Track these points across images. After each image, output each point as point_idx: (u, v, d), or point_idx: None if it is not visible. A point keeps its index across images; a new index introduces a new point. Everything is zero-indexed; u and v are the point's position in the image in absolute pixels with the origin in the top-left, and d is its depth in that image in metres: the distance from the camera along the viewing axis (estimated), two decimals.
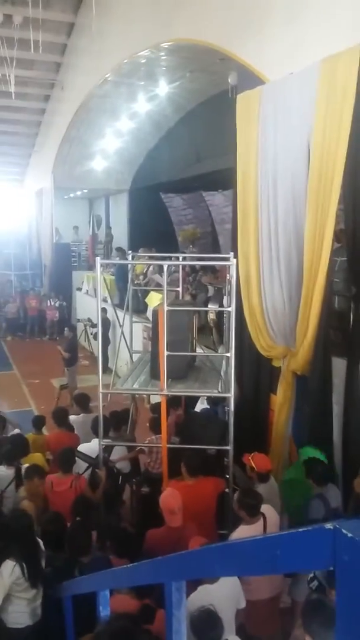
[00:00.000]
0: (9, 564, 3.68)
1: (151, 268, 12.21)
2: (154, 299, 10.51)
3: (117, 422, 6.45)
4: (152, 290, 10.83)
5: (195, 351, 6.07)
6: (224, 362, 6.01)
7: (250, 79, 6.18)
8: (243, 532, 4.16)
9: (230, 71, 8.63)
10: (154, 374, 5.43)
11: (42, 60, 14.70)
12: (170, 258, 7.65)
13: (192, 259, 10.48)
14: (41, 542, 4.01)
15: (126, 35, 10.55)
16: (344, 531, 1.07)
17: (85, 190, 20.39)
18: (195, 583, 3.47)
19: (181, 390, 5.55)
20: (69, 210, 21.63)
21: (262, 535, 1.45)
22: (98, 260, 5.42)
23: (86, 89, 13.23)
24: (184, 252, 12.17)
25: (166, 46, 9.35)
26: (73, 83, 14.56)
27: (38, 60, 14.54)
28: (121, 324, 6.96)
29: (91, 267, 17.73)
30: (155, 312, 5.45)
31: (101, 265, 5.43)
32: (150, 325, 6.27)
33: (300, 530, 1.26)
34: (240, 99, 6.26)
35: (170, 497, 4.38)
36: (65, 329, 12.10)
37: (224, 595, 3.53)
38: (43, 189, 19.48)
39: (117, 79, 11.99)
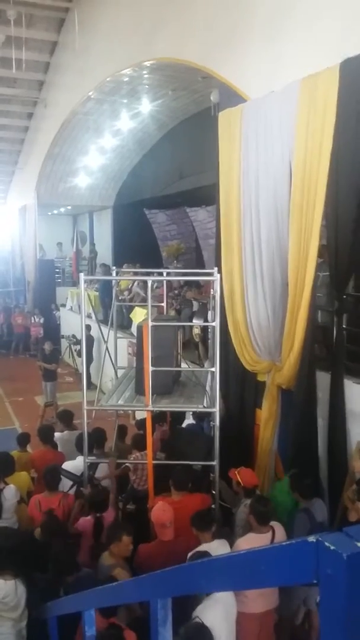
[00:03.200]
0: None
1: (136, 283, 12.23)
2: (138, 315, 10.51)
3: (101, 439, 6.39)
4: (137, 305, 10.83)
5: (180, 366, 6.06)
6: (209, 377, 6.01)
7: (232, 97, 6.28)
8: (251, 539, 4.18)
9: (212, 89, 8.78)
10: (139, 390, 5.41)
11: (25, 78, 14.78)
12: (154, 274, 7.68)
13: (177, 274, 10.52)
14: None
15: (109, 54, 10.67)
16: (326, 544, 1.07)
17: (69, 207, 20.42)
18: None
19: (166, 405, 5.53)
20: (53, 227, 21.63)
21: (246, 550, 1.45)
22: (82, 276, 5.41)
23: (69, 106, 13.32)
24: (168, 268, 12.22)
25: (148, 64, 9.48)
26: (56, 101, 14.65)
27: (21, 78, 14.62)
28: (106, 339, 6.93)
29: (75, 283, 17.69)
30: (139, 328, 5.45)
31: (85, 281, 5.42)
32: (134, 340, 6.25)
33: (284, 543, 1.26)
34: (222, 117, 6.35)
35: (161, 511, 4.35)
36: (46, 343, 11.98)
37: (218, 615, 3.46)
38: (26, 205, 19.46)
39: (100, 96, 12.09)
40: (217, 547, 4.15)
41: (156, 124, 13.64)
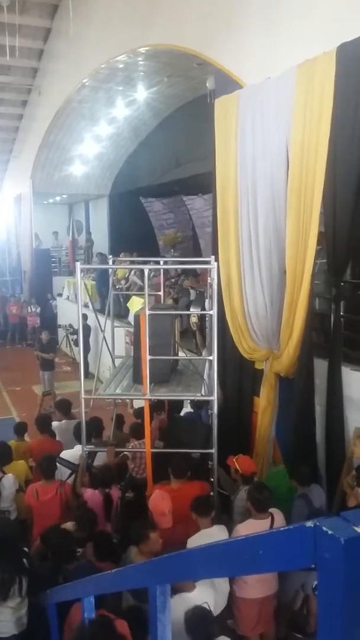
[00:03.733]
0: None
1: (133, 272, 12.20)
2: (135, 304, 10.50)
3: (99, 428, 6.41)
4: (134, 294, 10.81)
5: (177, 355, 6.06)
6: (206, 366, 6.02)
7: (228, 84, 6.22)
8: (249, 525, 4.22)
9: (208, 76, 8.70)
10: (137, 379, 5.42)
11: (18, 66, 14.62)
12: (151, 262, 7.65)
13: (174, 263, 10.49)
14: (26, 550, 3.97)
15: (103, 41, 10.55)
16: (324, 529, 1.07)
17: (65, 196, 20.29)
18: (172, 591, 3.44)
19: (164, 394, 5.54)
20: (49, 216, 21.51)
21: (244, 536, 1.45)
22: (78, 265, 5.39)
23: (64, 94, 13.19)
24: (165, 257, 12.18)
25: (144, 51, 9.38)
26: (50, 88, 14.50)
27: (15, 65, 14.45)
28: (103, 329, 6.92)
29: (72, 272, 17.63)
30: (137, 317, 5.44)
31: (81, 271, 5.40)
32: (132, 329, 6.25)
33: (282, 529, 1.26)
34: (218, 104, 6.30)
35: (160, 499, 4.38)
36: (43, 332, 11.96)
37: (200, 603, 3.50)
38: (22, 194, 19.33)
39: (95, 84, 11.98)
40: (216, 533, 4.19)
41: (152, 112, 13.53)
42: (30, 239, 18.95)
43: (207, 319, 6.54)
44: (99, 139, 15.03)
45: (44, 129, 15.37)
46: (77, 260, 16.66)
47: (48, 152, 16.56)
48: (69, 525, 4.28)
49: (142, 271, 5.75)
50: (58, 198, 21.16)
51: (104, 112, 13.44)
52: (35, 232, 19.20)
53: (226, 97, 6.14)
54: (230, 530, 4.41)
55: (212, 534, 4.14)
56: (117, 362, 6.86)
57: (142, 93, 11.99)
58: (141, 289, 7.29)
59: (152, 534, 4.01)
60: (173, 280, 11.08)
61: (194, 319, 7.31)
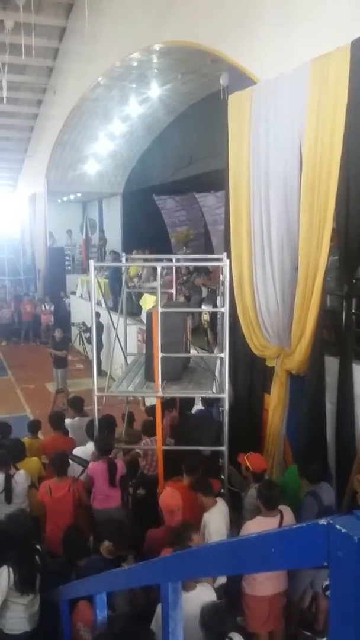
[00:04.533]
0: (6, 569, 3.65)
1: (145, 270, 12.22)
2: (147, 301, 10.51)
3: (111, 425, 6.43)
4: (146, 292, 10.82)
5: (189, 352, 6.06)
6: (217, 363, 6.00)
7: (242, 80, 6.19)
8: (258, 522, 4.21)
9: (221, 72, 8.67)
10: (149, 376, 5.42)
11: (34, 65, 14.69)
12: (163, 260, 7.65)
13: (186, 260, 10.48)
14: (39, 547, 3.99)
15: (118, 39, 10.56)
16: (337, 527, 1.06)
17: (79, 194, 20.37)
18: None
19: (176, 391, 5.54)
20: (63, 214, 21.61)
21: (256, 533, 1.45)
22: (92, 263, 5.40)
23: (78, 92, 13.23)
24: (177, 254, 12.18)
25: (157, 49, 9.37)
26: (65, 87, 14.55)
27: (30, 64, 14.53)
28: (115, 326, 6.94)
29: (85, 270, 17.70)
30: (149, 314, 5.44)
31: (95, 269, 5.41)
32: (144, 327, 6.25)
33: (295, 527, 1.25)
34: (231, 100, 6.27)
35: (169, 497, 4.38)
36: (57, 330, 12.04)
37: (198, 603, 3.40)
38: (36, 193, 19.45)
39: (110, 82, 11.99)
40: (223, 506, 4.43)
41: (165, 109, 13.51)
42: (45, 238, 19.06)
43: (218, 316, 6.52)
44: (113, 137, 15.05)
45: (58, 127, 15.43)
46: (91, 258, 16.71)
47: (62, 150, 16.63)
48: (105, 545, 4.14)
49: (154, 269, 5.75)
50: (72, 196, 21.25)
51: (118, 110, 13.45)
52: (50, 231, 19.31)
53: (239, 93, 6.11)
54: (240, 528, 4.41)
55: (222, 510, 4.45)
56: (130, 359, 6.87)
57: (155, 90, 11.98)
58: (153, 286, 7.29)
59: (194, 535, 3.92)
60: (185, 277, 11.07)
61: (205, 317, 7.29)
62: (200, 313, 7.95)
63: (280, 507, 4.34)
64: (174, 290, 7.26)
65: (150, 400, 7.16)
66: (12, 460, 5.42)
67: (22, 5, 11.86)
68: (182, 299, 9.00)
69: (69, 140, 16.00)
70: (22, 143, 20.34)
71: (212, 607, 3.20)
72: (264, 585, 4.15)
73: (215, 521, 4.47)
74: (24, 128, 19.15)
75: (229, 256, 5.93)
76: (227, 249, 6.35)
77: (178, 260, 7.97)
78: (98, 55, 11.59)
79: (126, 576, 2.76)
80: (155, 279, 6.43)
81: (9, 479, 5.16)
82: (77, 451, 5.91)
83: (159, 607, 3.36)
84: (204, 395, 5.91)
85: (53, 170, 17.56)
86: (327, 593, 3.68)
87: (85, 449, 5.85)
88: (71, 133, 15.54)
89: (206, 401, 6.47)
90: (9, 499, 5.11)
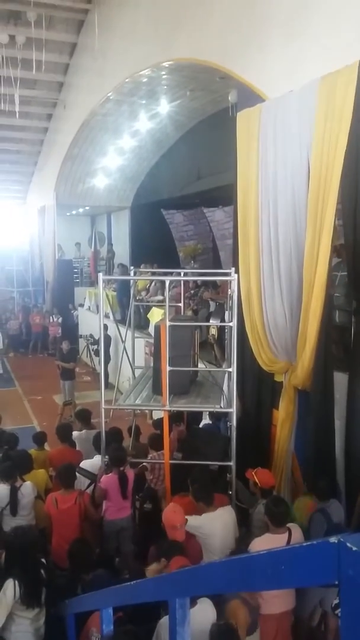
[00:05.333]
0: (11, 582, 3.64)
1: (154, 283, 12.26)
2: (155, 315, 10.54)
3: (118, 438, 6.43)
4: (154, 305, 10.85)
5: (197, 366, 6.06)
6: (225, 378, 6.00)
7: (250, 97, 6.25)
8: (266, 539, 4.19)
9: (230, 89, 8.77)
10: (156, 390, 5.43)
11: (44, 80, 14.91)
12: (171, 274, 7.68)
13: (194, 274, 10.51)
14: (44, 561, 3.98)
15: (128, 55, 10.71)
16: (348, 545, 1.07)
17: (87, 207, 20.54)
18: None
19: (183, 405, 5.54)
20: (71, 227, 21.78)
21: (266, 550, 1.45)
22: (100, 276, 5.44)
23: (88, 107, 13.40)
24: (185, 268, 12.22)
25: (167, 65, 9.50)
26: (75, 102, 14.75)
27: (41, 79, 14.75)
28: (123, 339, 6.96)
29: (93, 283, 17.80)
30: (157, 328, 5.46)
31: (103, 281, 5.45)
32: (152, 340, 6.26)
33: (305, 544, 1.25)
34: (240, 117, 6.34)
35: (172, 512, 4.36)
36: (64, 342, 12.09)
37: (200, 619, 3.37)
38: (45, 206, 19.62)
39: (119, 97, 12.14)
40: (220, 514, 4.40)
41: (174, 125, 13.65)
42: (53, 250, 19.20)
43: (226, 330, 6.54)
44: (122, 151, 15.21)
45: (68, 142, 15.61)
46: (99, 271, 16.83)
47: (72, 164, 16.81)
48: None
49: (162, 282, 5.78)
50: (81, 210, 21.44)
51: (127, 125, 13.61)
52: (58, 243, 19.46)
53: (248, 110, 6.17)
54: (248, 545, 4.37)
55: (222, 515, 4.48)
56: (137, 372, 6.88)
57: (164, 106, 12.12)
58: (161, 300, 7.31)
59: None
60: (192, 291, 11.10)
61: (212, 331, 7.30)
62: (207, 327, 7.97)
63: (289, 525, 4.31)
64: (182, 304, 7.28)
65: (157, 414, 7.16)
66: (19, 472, 5.43)
67: (34, 21, 12.10)
68: (190, 312, 9.02)
69: (79, 154, 16.18)
70: (32, 156, 20.58)
71: (222, 628, 3.17)
72: (272, 603, 4.10)
73: (211, 523, 4.43)
74: (34, 142, 19.40)
75: (237, 271, 5.95)
76: (235, 264, 6.37)
77: (186, 274, 8.00)
78: (108, 71, 11.76)
79: (133, 591, 2.75)
80: (163, 293, 6.46)
81: (14, 491, 5.16)
82: (85, 464, 5.91)
83: (159, 623, 3.36)
84: (211, 410, 5.90)
85: (62, 183, 17.74)
86: (337, 612, 3.64)
87: (93, 462, 5.85)
88: (81, 147, 15.71)
89: (214, 415, 6.46)
90: (14, 511, 5.11)
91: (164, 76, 10.47)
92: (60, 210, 19.06)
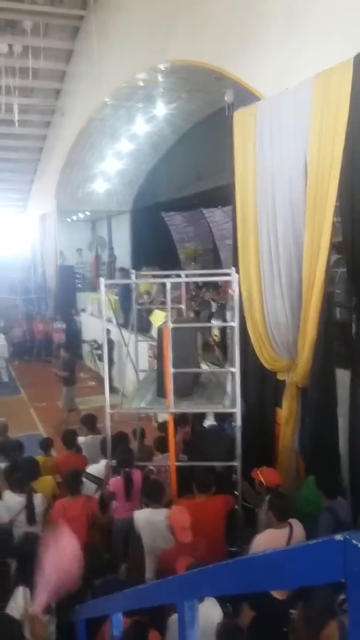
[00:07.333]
0: (21, 590, 3.64)
1: (155, 287, 12.27)
2: (158, 317, 10.53)
3: (124, 442, 6.42)
4: (156, 308, 10.85)
5: (200, 367, 6.06)
6: (228, 378, 5.99)
7: (246, 97, 6.26)
8: (269, 535, 4.18)
9: (225, 89, 8.77)
10: (160, 392, 5.42)
11: (42, 88, 14.98)
12: (172, 276, 7.68)
13: (194, 275, 10.51)
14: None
15: (124, 59, 10.74)
16: (354, 542, 1.06)
17: (88, 213, 20.59)
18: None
19: (188, 407, 5.53)
20: (72, 233, 21.81)
21: (272, 550, 1.44)
22: (102, 280, 5.44)
23: (86, 113, 13.44)
24: (186, 270, 12.23)
25: (163, 68, 9.50)
26: (73, 108, 14.80)
27: (38, 87, 14.82)
28: (126, 343, 6.96)
29: (95, 288, 17.81)
30: (160, 330, 5.46)
31: (105, 286, 5.45)
32: (155, 343, 6.26)
33: (311, 542, 1.25)
34: (236, 116, 6.34)
35: (179, 513, 4.36)
36: (62, 350, 12.20)
37: (204, 618, 3.41)
38: (46, 213, 19.68)
39: (116, 102, 12.17)
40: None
41: (171, 127, 13.67)
42: (55, 256, 19.24)
43: (228, 330, 6.53)
44: (120, 156, 15.23)
45: (67, 148, 15.67)
46: (101, 276, 16.86)
47: (71, 171, 16.86)
48: None
49: (164, 285, 5.78)
50: (81, 215, 21.48)
51: (125, 129, 13.63)
52: (60, 250, 19.49)
53: (244, 109, 6.17)
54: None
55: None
56: (141, 375, 6.88)
57: (161, 109, 12.12)
58: (163, 302, 7.32)
59: None
60: (194, 292, 11.10)
61: (214, 332, 7.30)
62: (209, 328, 7.96)
63: (290, 520, 4.29)
64: (183, 306, 7.28)
65: (162, 417, 7.15)
66: (28, 479, 5.42)
67: (30, 30, 12.15)
68: (192, 314, 9.01)
69: (78, 160, 16.23)
70: (31, 164, 20.65)
71: (228, 626, 3.16)
72: None
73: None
74: (33, 150, 19.46)
75: (237, 270, 5.94)
76: (236, 264, 6.37)
77: (187, 275, 8.00)
78: (105, 77, 11.78)
79: (142, 595, 2.74)
80: (164, 295, 6.46)
81: (30, 500, 5.14)
82: (91, 469, 5.90)
83: (169, 619, 3.34)
84: (215, 410, 5.89)
85: (62, 190, 17.80)
86: (343, 607, 3.60)
87: (99, 467, 5.85)
88: (79, 153, 15.76)
89: (218, 416, 6.45)
90: (31, 519, 5.09)
91: (160, 79, 10.46)
92: (61, 216, 19.12)
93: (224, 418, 6.36)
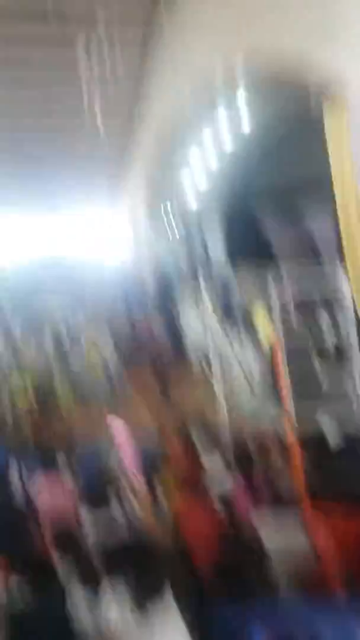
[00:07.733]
0: None
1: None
2: (261, 320, 10.27)
3: None
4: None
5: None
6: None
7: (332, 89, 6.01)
8: None
9: (314, 89, 8.42)
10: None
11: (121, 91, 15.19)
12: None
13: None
14: None
15: (202, 62, 10.68)
16: None
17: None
18: None
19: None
20: None
21: None
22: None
23: (167, 118, 13.59)
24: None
25: (246, 66, 9.30)
26: (154, 113, 15.05)
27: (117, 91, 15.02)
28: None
29: None
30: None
31: None
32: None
33: None
34: (327, 110, 6.17)
35: None
36: None
37: None
38: None
39: (199, 104, 12.08)
40: None
41: (259, 127, 13.28)
42: None
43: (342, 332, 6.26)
44: (207, 160, 15.12)
45: (150, 154, 16.01)
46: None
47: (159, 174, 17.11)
48: None
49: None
50: None
51: (210, 131, 13.52)
52: None
53: (333, 102, 5.94)
54: None
55: None
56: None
57: (245, 110, 11.87)
58: None
59: None
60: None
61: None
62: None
63: None
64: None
65: None
66: None
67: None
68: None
69: (161, 168, 16.44)
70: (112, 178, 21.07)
71: None
72: None
73: None
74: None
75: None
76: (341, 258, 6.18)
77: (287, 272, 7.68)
78: (185, 81, 11.78)
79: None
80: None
81: None
82: None
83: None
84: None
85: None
86: None
87: None
88: (165, 157, 15.95)
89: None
90: None
91: (243, 79, 10.26)
92: None
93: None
